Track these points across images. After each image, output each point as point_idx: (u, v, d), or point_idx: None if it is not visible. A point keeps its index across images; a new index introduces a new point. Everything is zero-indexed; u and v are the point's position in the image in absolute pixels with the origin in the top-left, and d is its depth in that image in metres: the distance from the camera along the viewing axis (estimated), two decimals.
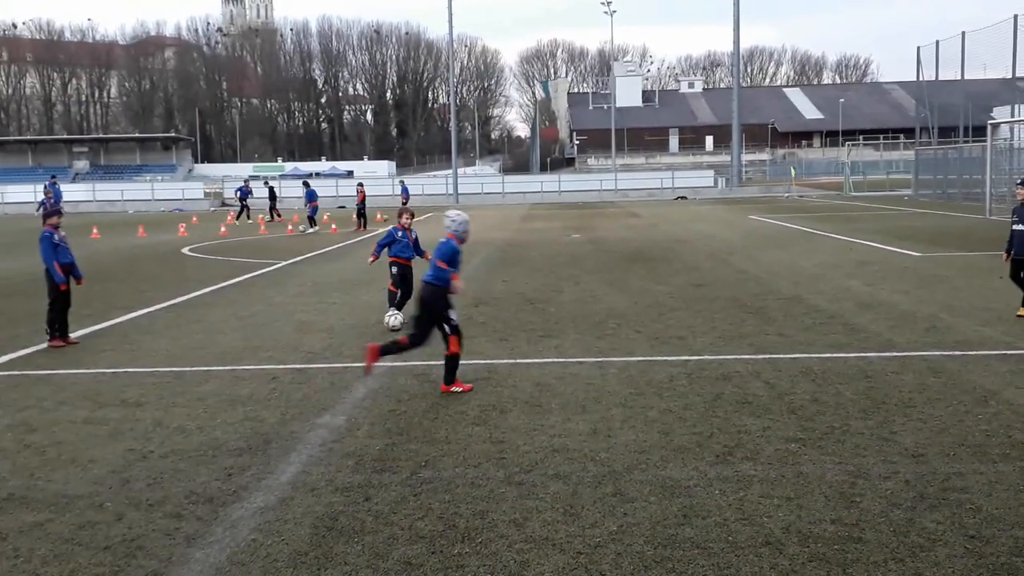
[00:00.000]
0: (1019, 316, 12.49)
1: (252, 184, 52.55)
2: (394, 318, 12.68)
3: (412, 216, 13.39)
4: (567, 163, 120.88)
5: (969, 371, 9.44)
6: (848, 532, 5.44)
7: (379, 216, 42.62)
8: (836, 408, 8.18)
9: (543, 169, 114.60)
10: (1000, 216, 33.82)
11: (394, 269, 13.10)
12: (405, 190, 44.16)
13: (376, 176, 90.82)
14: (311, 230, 35.50)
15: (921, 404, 8.25)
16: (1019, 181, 12.90)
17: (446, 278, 8.89)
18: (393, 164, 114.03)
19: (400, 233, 13.08)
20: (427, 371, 10.01)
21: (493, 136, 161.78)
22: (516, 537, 5.51)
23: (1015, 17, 42.95)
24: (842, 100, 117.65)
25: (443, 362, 9.17)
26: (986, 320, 12.27)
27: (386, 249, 13.23)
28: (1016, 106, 54.13)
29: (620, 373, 9.80)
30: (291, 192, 61.94)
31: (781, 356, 10.44)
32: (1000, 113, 57.10)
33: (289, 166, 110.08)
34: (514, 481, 6.49)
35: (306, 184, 39.67)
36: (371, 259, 13.64)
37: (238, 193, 47.86)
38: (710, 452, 7.02)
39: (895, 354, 10.39)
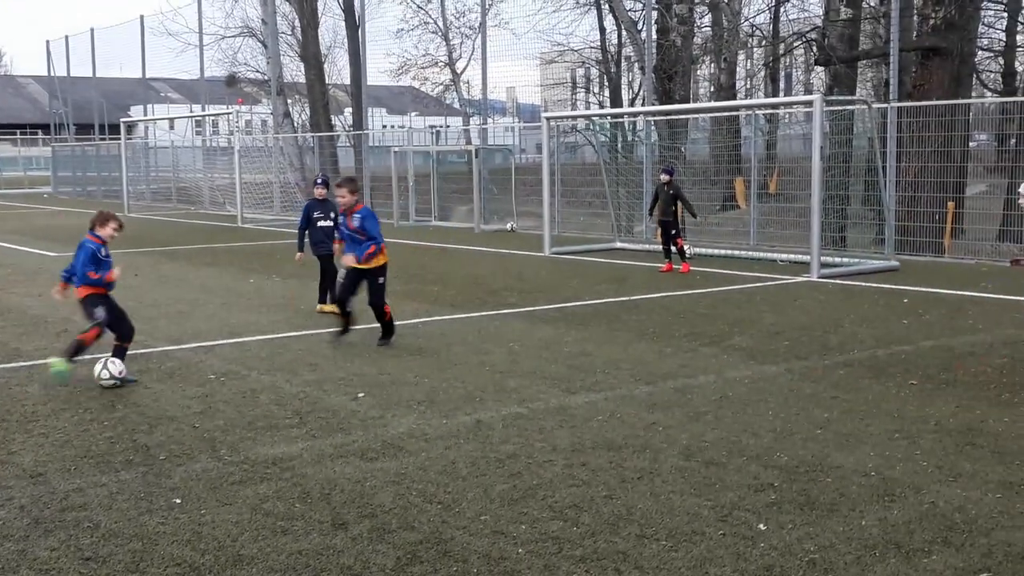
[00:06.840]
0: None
1: None
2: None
3: (120, 227, 9.00)
4: None
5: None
6: None
7: None
8: None
9: None
10: (139, 213, 34.57)
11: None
12: None
13: None
14: None
15: (45, 416, 7.73)
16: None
17: None
18: None
19: (104, 251, 8.83)
20: None
21: None
22: None
23: (141, 18, 44.16)
24: None
25: None
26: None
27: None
28: (150, 105, 56.17)
29: None
30: None
31: None
32: (136, 112, 58.60)
33: None
34: None
35: None
36: (59, 289, 9.06)
37: None
38: None
39: (23, 364, 9.70)
